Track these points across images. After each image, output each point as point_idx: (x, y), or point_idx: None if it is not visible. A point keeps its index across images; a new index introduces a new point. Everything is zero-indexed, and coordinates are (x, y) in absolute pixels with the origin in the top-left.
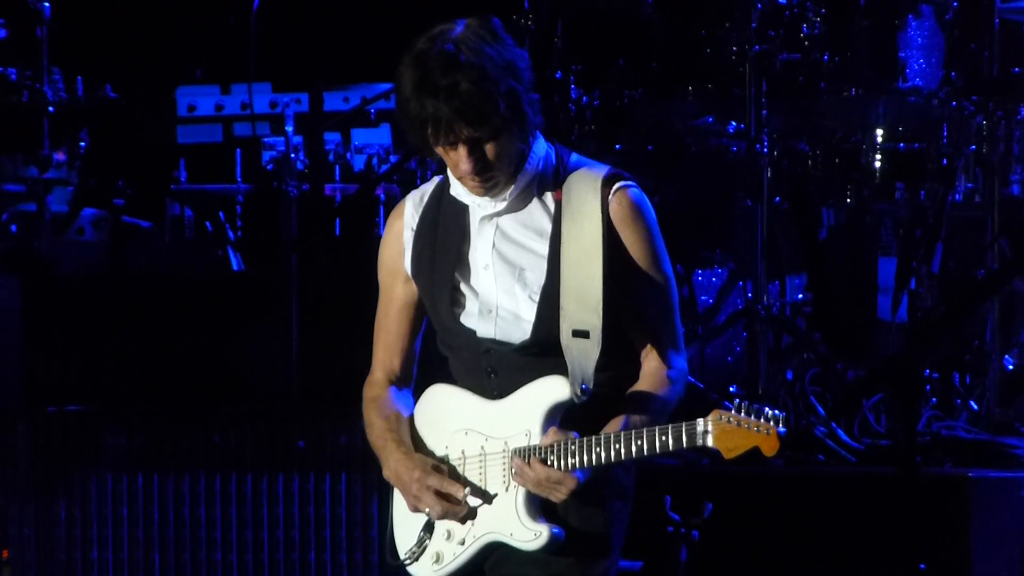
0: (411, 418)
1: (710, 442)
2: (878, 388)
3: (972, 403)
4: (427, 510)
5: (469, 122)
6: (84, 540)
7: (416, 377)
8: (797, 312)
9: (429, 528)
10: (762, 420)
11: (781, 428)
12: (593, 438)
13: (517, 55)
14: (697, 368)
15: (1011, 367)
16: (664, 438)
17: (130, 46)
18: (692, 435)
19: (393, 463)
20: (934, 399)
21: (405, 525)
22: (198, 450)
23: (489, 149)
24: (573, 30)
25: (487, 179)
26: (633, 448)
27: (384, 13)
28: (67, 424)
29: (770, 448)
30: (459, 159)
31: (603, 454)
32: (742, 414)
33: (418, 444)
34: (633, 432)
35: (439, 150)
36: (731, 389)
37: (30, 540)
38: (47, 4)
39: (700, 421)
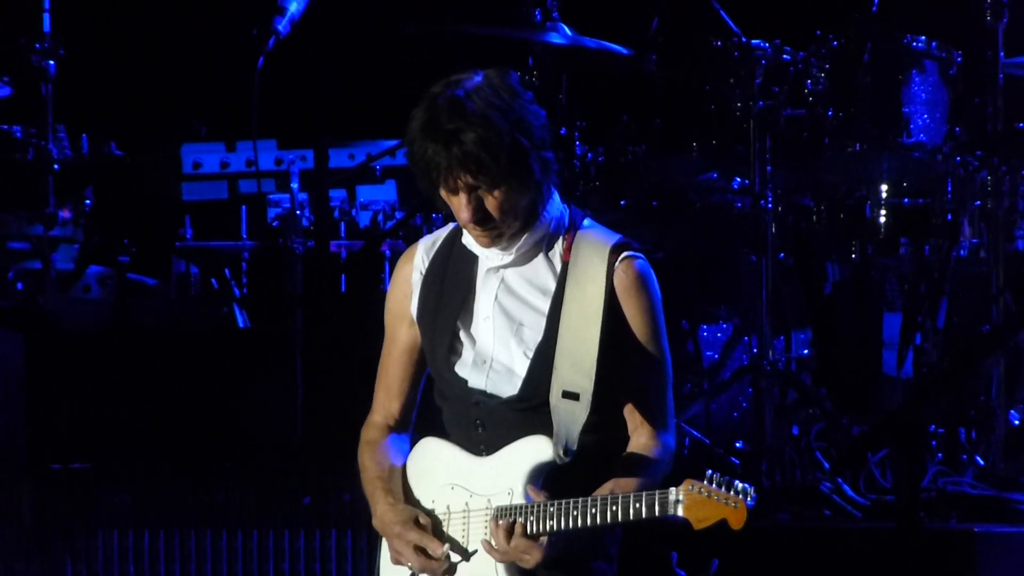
0: (404, 467)
1: (680, 512)
2: (883, 443)
3: (978, 458)
4: (408, 564)
5: (467, 170)
6: None
7: (415, 422)
8: (802, 367)
9: None
10: (732, 492)
11: (749, 501)
12: (571, 502)
13: (531, 111)
14: (703, 423)
15: (1017, 422)
16: (638, 505)
17: (135, 104)
18: (664, 503)
19: (380, 512)
20: (940, 454)
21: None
22: (203, 507)
23: (489, 200)
24: (577, 87)
25: (488, 230)
26: (608, 514)
27: (389, 71)
28: (72, 482)
29: (737, 521)
30: (460, 206)
31: (579, 518)
32: (713, 485)
33: (407, 495)
34: (609, 498)
35: (443, 195)
36: (737, 445)
37: None
38: (52, 62)
39: (673, 490)
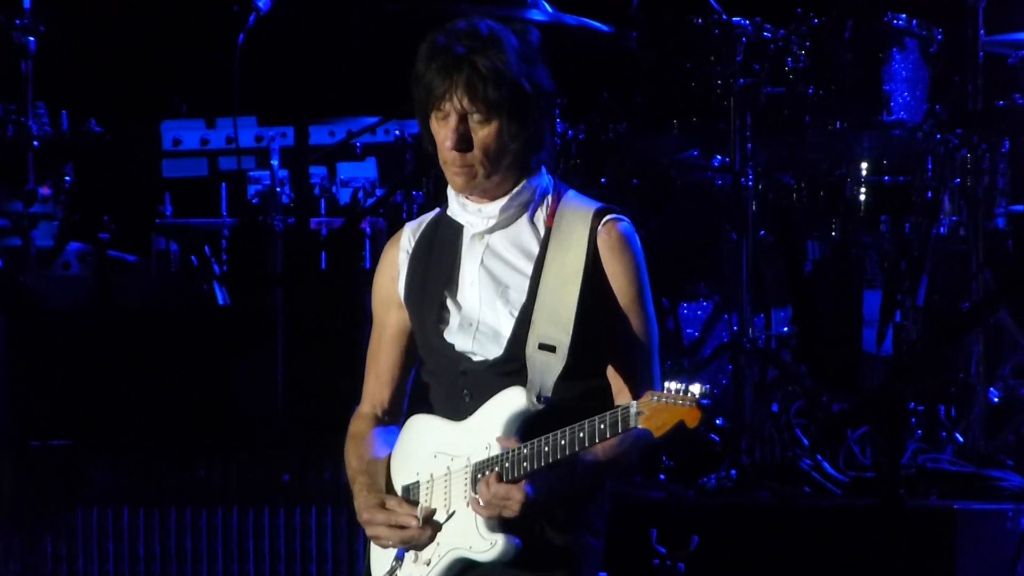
0: (389, 456)
1: (641, 423)
2: (863, 420)
3: (957, 435)
4: (388, 544)
5: (467, 92)
6: (70, 575)
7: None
8: (782, 345)
9: (400, 558)
10: (687, 394)
11: (705, 400)
12: (541, 439)
13: (544, 71)
14: None
15: (996, 399)
16: (602, 426)
17: (115, 80)
18: (627, 418)
19: (358, 504)
20: (919, 431)
21: (379, 558)
22: (184, 484)
23: (477, 133)
24: (558, 64)
25: (464, 167)
26: (576, 441)
27: (369, 48)
28: (52, 459)
29: (692, 419)
30: (446, 133)
31: (551, 453)
32: (669, 391)
33: (393, 475)
34: (576, 425)
35: (432, 127)
36: (717, 422)
37: (15, 575)
38: (32, 38)
39: (633, 403)
